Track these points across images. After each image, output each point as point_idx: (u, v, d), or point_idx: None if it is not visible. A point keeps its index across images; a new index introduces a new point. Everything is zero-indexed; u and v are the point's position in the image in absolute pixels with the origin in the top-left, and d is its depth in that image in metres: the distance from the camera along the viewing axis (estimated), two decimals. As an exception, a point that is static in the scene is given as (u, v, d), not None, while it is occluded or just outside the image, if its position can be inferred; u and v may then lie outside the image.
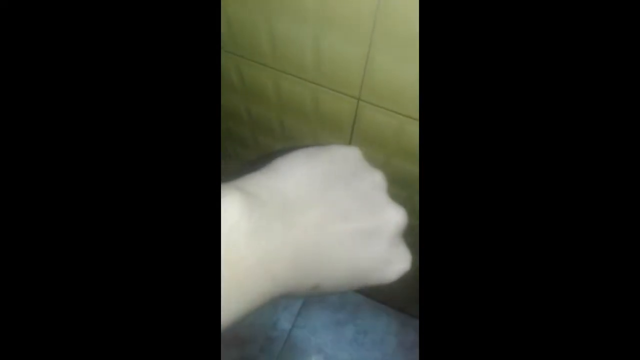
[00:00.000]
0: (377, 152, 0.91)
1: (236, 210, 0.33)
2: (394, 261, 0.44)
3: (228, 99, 0.97)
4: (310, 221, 0.39)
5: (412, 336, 1.92)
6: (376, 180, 0.46)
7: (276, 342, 1.84)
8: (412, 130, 0.80)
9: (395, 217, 0.42)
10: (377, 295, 1.90)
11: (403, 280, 1.55)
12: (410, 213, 1.12)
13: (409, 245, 1.31)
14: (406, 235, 1.27)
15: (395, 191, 1.03)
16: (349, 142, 0.91)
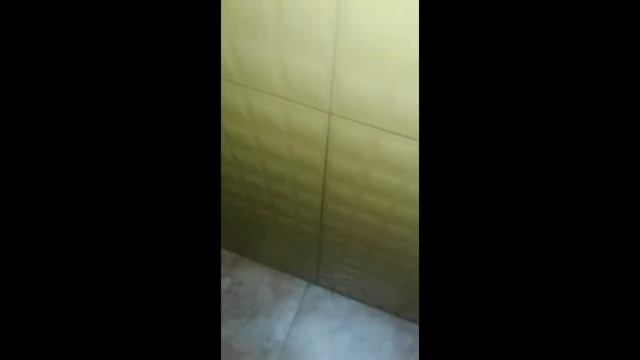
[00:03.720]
0: (355, 165, 0.90)
1: None
2: None
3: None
4: None
5: (409, 340, 1.91)
6: None
7: (272, 354, 1.82)
8: (386, 142, 0.79)
9: None
10: (371, 301, 1.89)
11: (397, 284, 1.53)
12: (392, 223, 1.11)
13: (405, 258, 1.28)
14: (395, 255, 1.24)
15: (377, 201, 1.02)
16: (325, 156, 0.90)
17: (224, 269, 2.01)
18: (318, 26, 0.59)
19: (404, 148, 0.79)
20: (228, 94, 0.83)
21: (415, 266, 1.33)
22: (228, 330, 1.86)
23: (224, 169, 1.15)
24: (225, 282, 1.97)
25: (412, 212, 1.01)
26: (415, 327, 1.94)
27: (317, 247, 1.48)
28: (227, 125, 0.94)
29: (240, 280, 1.98)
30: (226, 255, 2.04)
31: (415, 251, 1.22)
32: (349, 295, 1.93)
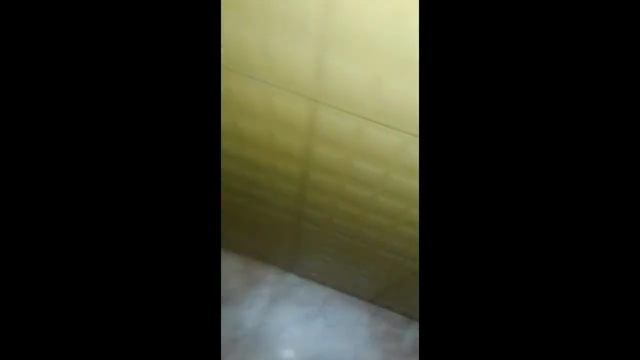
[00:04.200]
0: (338, 154, 0.87)
1: None
2: None
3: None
4: None
5: (383, 326, 1.94)
6: None
7: (243, 342, 1.81)
8: (371, 132, 0.76)
9: None
10: (346, 288, 1.89)
11: (373, 272, 1.54)
12: (372, 213, 1.10)
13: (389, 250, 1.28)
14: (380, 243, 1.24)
15: (359, 191, 1.00)
16: (308, 144, 0.87)
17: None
18: (305, 8, 0.55)
19: (389, 138, 0.77)
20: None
21: (391, 255, 1.33)
22: (200, 318, 1.82)
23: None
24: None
25: (393, 203, 1.00)
26: (389, 314, 1.97)
27: (294, 236, 1.46)
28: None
29: (214, 267, 1.94)
30: (199, 241, 1.99)
31: (392, 240, 1.22)
32: (323, 283, 1.93)
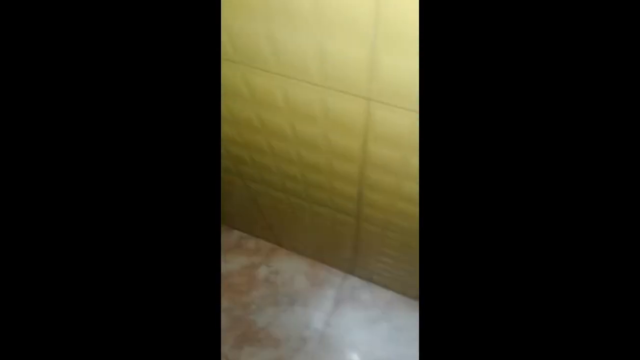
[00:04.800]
0: (395, 152, 0.87)
1: None
2: None
3: (238, 107, 0.96)
4: None
5: (449, 331, 1.87)
6: None
7: (310, 342, 1.85)
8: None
9: None
10: (409, 291, 1.86)
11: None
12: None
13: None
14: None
15: (416, 189, 0.99)
16: (364, 143, 0.88)
17: (260, 258, 2.05)
18: (358, 10, 0.57)
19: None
20: (265, 84, 0.83)
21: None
22: (267, 317, 1.90)
23: (262, 160, 1.16)
24: (262, 271, 2.01)
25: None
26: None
27: (354, 237, 1.47)
28: (263, 114, 0.94)
29: (277, 269, 2.01)
30: (263, 244, 2.08)
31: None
32: (386, 286, 1.92)
